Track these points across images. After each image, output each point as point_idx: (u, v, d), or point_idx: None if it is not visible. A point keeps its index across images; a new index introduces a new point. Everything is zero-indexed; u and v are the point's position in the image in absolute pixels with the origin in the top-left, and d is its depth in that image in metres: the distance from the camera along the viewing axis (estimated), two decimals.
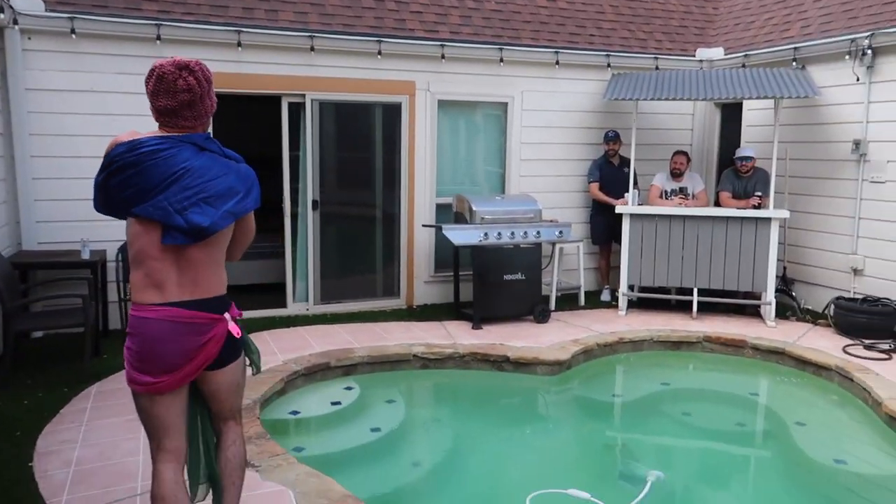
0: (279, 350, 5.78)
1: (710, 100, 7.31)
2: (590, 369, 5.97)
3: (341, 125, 7.02)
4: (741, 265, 6.94)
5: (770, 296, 6.87)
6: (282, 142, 6.78)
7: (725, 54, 8.10)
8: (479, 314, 6.60)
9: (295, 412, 4.88)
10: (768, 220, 6.84)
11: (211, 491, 2.81)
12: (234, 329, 2.56)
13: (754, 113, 7.99)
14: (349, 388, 5.32)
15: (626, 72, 7.79)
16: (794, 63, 7.25)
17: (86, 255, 5.67)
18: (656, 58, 7.98)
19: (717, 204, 7.43)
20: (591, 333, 6.44)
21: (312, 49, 6.57)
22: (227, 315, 2.57)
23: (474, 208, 6.58)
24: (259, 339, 6.10)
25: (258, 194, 2.60)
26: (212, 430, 2.77)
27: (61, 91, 5.99)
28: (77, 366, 5.23)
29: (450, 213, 7.35)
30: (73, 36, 5.91)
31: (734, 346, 6.29)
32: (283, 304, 7.04)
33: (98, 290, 5.82)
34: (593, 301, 7.82)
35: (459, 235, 6.50)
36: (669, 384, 5.87)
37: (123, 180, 2.40)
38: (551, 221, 7.03)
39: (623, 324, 6.83)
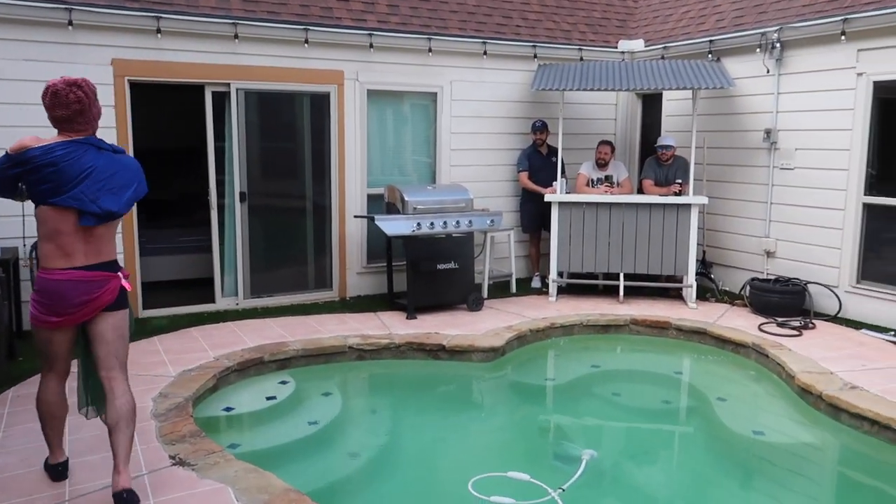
0: (210, 346, 5.63)
1: (632, 90, 7.54)
2: (523, 355, 6.09)
3: (268, 115, 6.88)
4: (664, 250, 7.22)
5: (691, 279, 7.17)
6: (206, 132, 6.58)
7: (646, 46, 8.37)
8: (413, 304, 6.62)
9: (229, 408, 4.77)
10: (689, 206, 7.13)
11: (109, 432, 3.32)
12: (127, 284, 3.34)
13: (673, 103, 8.30)
14: (284, 383, 5.24)
15: (552, 62, 7.93)
16: (709, 55, 7.57)
17: None
18: (580, 49, 8.17)
19: (641, 191, 7.68)
20: (524, 319, 6.56)
21: (236, 37, 6.40)
22: (119, 273, 3.32)
23: (406, 198, 6.58)
24: (187, 337, 5.93)
25: (145, 181, 3.41)
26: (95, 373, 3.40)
27: None
28: None
29: (381, 204, 7.33)
30: None
31: (659, 327, 6.54)
32: (212, 299, 6.86)
33: (10, 289, 5.52)
34: (524, 288, 7.96)
35: (392, 226, 6.49)
36: (599, 366, 6.05)
37: (41, 178, 3.11)
38: (483, 210, 7.10)
39: (554, 309, 6.98)
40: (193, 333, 6.07)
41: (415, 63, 7.37)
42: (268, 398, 4.97)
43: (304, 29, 6.67)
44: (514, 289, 7.81)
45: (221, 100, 6.62)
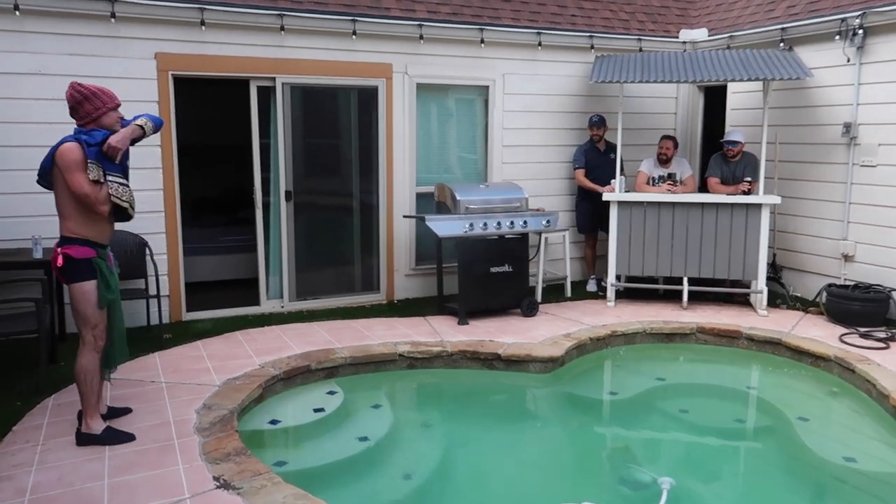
0: (255, 352, 5.39)
1: (699, 82, 7.06)
2: (583, 365, 5.72)
3: (314, 111, 6.61)
4: (732, 253, 6.75)
5: (761, 284, 6.70)
6: (250, 128, 6.34)
7: (709, 35, 7.87)
8: (464, 309, 6.29)
9: (275, 421, 4.51)
10: (759, 206, 6.65)
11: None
12: (58, 260, 3.70)
13: (739, 96, 7.80)
14: (332, 393, 4.97)
15: (610, 54, 7.50)
16: (781, 44, 7.06)
17: (38, 254, 5.20)
18: (640, 39, 7.72)
19: (705, 190, 7.22)
20: (583, 327, 6.18)
21: (282, 29, 6.14)
22: (58, 249, 3.73)
23: (458, 197, 6.25)
24: (231, 341, 5.70)
25: (49, 157, 3.68)
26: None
27: (3, 74, 5.47)
28: (31, 376, 4.78)
29: (431, 203, 7.01)
30: (17, 13, 5.38)
31: (728, 336, 6.10)
32: (256, 302, 6.64)
33: (53, 291, 5.35)
34: (579, 292, 7.57)
35: (443, 226, 6.16)
36: (665, 379, 5.64)
37: None
38: (538, 210, 6.73)
39: (613, 315, 6.59)
40: (238, 338, 5.84)
41: (466, 55, 7.03)
42: (315, 410, 4.70)
43: (352, 20, 6.38)
44: (568, 293, 7.42)
45: (266, 95, 6.37)
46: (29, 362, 5.02)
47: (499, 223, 6.31)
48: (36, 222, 5.46)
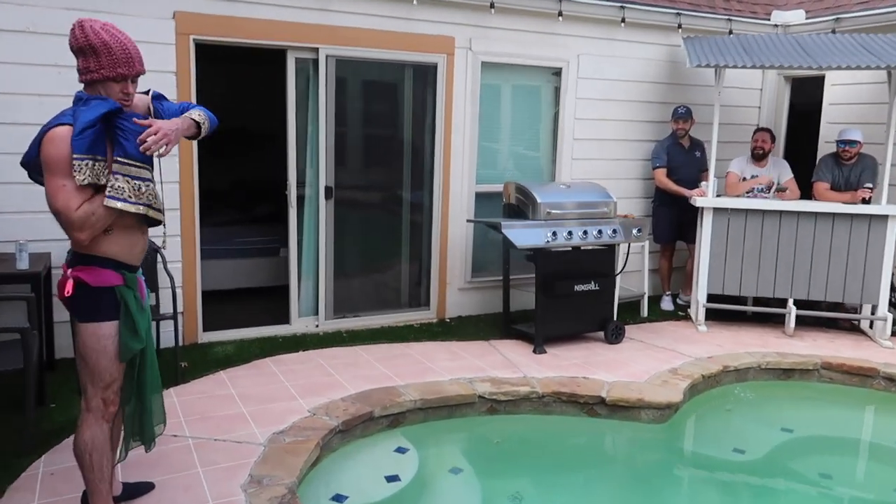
0: (298, 390, 4.28)
1: (823, 69, 5.85)
2: (696, 409, 4.67)
3: (363, 90, 5.49)
4: (848, 272, 5.74)
5: (883, 309, 5.70)
6: (286, 110, 5.19)
7: (807, 18, 6.85)
8: (542, 334, 5.22)
9: (340, 497, 3.40)
10: (884, 217, 5.65)
11: None
12: (67, 287, 2.56)
13: (839, 90, 6.78)
14: (402, 451, 3.87)
15: (696, 35, 6.45)
16: None
17: (22, 264, 4.03)
18: (729, 20, 6.67)
19: (811, 197, 6.19)
20: (685, 359, 5.14)
21: None
22: (68, 270, 2.59)
23: (539, 200, 5.15)
24: (264, 373, 4.58)
25: (35, 142, 2.52)
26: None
27: None
28: (16, 424, 3.62)
29: (491, 205, 5.93)
30: None
31: (860, 375, 5.08)
32: (285, 319, 5.50)
33: (41, 310, 4.19)
34: (654, 310, 6.53)
35: (522, 235, 5.07)
36: (793, 431, 4.60)
37: None
38: (625, 217, 5.66)
39: (710, 343, 5.56)
40: (270, 367, 4.72)
41: (538, 31, 5.93)
42: (388, 479, 3.59)
43: None
44: (645, 311, 6.38)
45: (306, 69, 5.23)
46: (9, 406, 3.87)
47: (585, 232, 5.24)
48: (22, 221, 4.30)
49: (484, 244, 6.11)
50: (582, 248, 5.33)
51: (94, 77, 2.49)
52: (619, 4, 6.07)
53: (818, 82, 7.12)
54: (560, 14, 5.82)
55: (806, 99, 7.31)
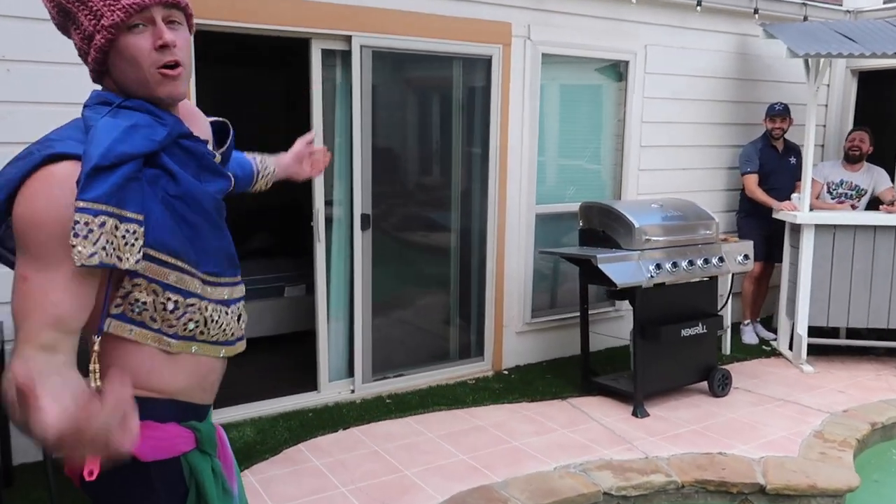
0: (364, 499, 3.10)
1: None
2: (863, 489, 3.68)
3: (405, 91, 4.35)
4: None
5: None
6: (310, 114, 4.01)
7: (885, 2, 6.01)
8: (643, 391, 4.16)
9: None
10: None
11: None
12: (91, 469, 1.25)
13: None
14: None
15: (774, 23, 5.54)
16: None
17: None
18: (804, 4, 5.78)
19: None
20: (816, 414, 4.17)
21: None
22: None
23: (636, 224, 4.09)
24: (304, 469, 3.37)
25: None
26: None
27: None
28: None
29: (551, 229, 4.89)
30: None
31: None
32: (312, 385, 4.30)
33: None
34: (736, 344, 5.54)
35: (620, 270, 4.00)
36: None
37: None
38: (724, 239, 4.65)
39: (830, 389, 4.61)
40: (310, 459, 3.53)
41: (604, 16, 4.90)
42: None
43: None
44: (728, 348, 5.38)
45: (334, 62, 4.06)
46: None
47: (691, 262, 4.20)
48: None
49: (544, 277, 5.04)
50: (689, 282, 4.30)
51: (100, 43, 1.30)
52: None
53: (887, 77, 6.32)
54: None
55: (873, 97, 6.49)
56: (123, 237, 1.24)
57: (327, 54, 3.99)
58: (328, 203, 4.17)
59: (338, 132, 4.13)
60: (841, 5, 6.09)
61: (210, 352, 1.41)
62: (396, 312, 4.51)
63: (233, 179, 1.49)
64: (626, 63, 5.08)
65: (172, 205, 1.32)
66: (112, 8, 1.27)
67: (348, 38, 3.98)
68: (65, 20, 1.34)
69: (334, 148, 4.12)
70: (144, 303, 1.31)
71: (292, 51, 4.35)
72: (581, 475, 3.37)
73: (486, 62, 4.48)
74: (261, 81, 6.16)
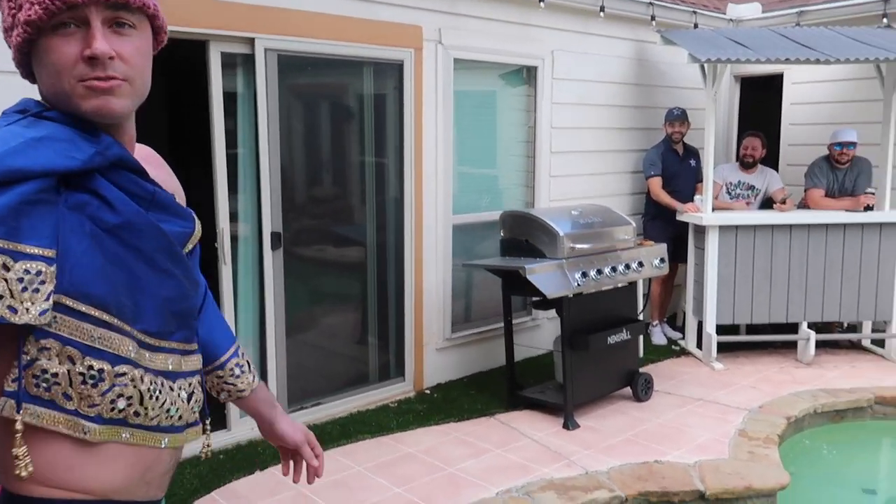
0: None
1: (836, 62, 5.02)
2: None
3: (313, 97, 4.04)
4: (861, 288, 5.20)
5: None
6: (210, 125, 3.62)
7: (763, 12, 6.34)
8: (573, 401, 4.08)
9: None
10: (894, 225, 5.16)
11: None
12: None
13: (801, 88, 6.34)
14: None
15: (670, 29, 5.69)
16: (884, 19, 5.64)
17: None
18: (694, 12, 5.98)
19: (805, 206, 5.62)
20: (737, 412, 4.26)
21: None
22: None
23: (560, 233, 4.00)
24: None
25: None
26: None
27: None
28: None
29: (468, 239, 4.74)
30: None
31: None
32: (222, 423, 3.89)
33: None
34: (645, 345, 5.63)
35: (548, 280, 3.89)
36: (875, 491, 3.89)
37: None
38: (641, 244, 4.68)
39: (743, 385, 4.76)
40: None
41: (514, 21, 4.81)
42: None
43: None
44: (641, 350, 5.45)
45: (235, 67, 3.69)
46: None
47: (614, 268, 4.18)
48: None
49: (462, 290, 4.88)
50: (612, 288, 4.27)
51: (16, 41, 1.01)
52: None
53: (765, 83, 6.69)
54: (541, 0, 4.72)
55: (753, 101, 6.85)
56: (20, 280, 0.92)
57: (228, 58, 3.62)
58: (233, 221, 3.79)
59: (241, 142, 3.76)
60: (725, 14, 6.36)
61: (147, 440, 1.10)
62: (311, 336, 4.19)
63: (198, 226, 1.18)
64: (535, 68, 5.02)
65: (102, 239, 1.01)
66: (16, 23, 0.96)
67: (251, 41, 3.63)
68: None
69: (237, 160, 3.76)
70: (55, 374, 0.99)
71: (180, 53, 3.93)
72: (525, 498, 3.22)
73: (398, 67, 4.26)
74: None
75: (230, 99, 3.66)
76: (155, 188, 1.08)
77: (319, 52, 3.89)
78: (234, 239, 3.78)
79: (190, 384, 1.16)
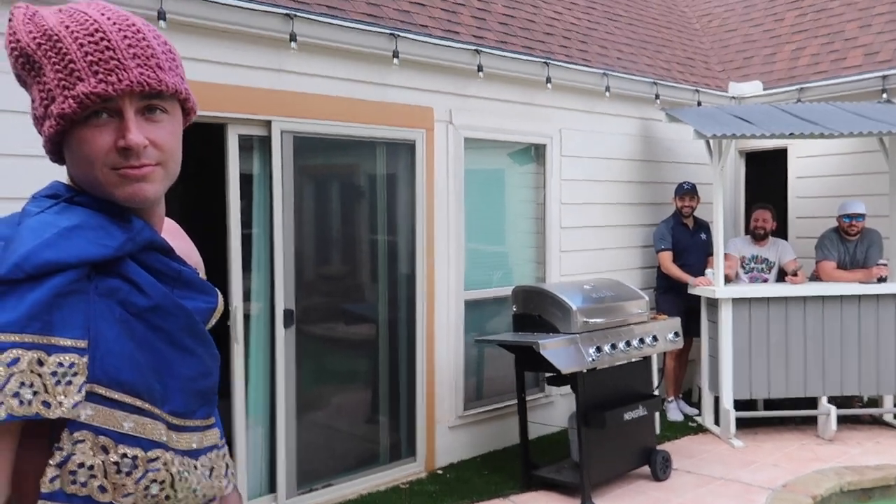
0: None
1: (839, 136, 5.10)
2: None
3: (327, 177, 4.12)
4: (880, 362, 5.12)
5: None
6: (226, 206, 3.68)
7: (765, 89, 6.50)
8: (590, 482, 3.96)
9: None
10: None
11: None
12: None
13: (805, 162, 6.43)
14: None
15: (675, 107, 5.83)
16: (883, 94, 5.77)
17: None
18: (697, 91, 6.14)
19: (817, 278, 5.60)
20: (759, 492, 4.12)
21: (293, 39, 3.65)
22: None
23: (573, 307, 3.99)
24: None
25: None
26: None
27: None
28: None
29: (480, 315, 4.73)
30: None
31: None
32: None
33: None
34: (662, 422, 5.50)
35: (563, 356, 3.86)
36: None
37: None
38: (654, 317, 4.65)
39: (765, 463, 4.62)
40: None
41: (520, 101, 4.95)
42: None
43: (392, 35, 4.05)
44: (658, 427, 5.32)
45: (252, 148, 3.78)
46: None
47: (628, 343, 4.14)
48: None
49: (475, 366, 4.83)
50: (627, 363, 4.23)
51: (48, 133, 1.01)
52: (602, 72, 5.26)
53: (769, 157, 6.79)
54: (549, 80, 4.87)
55: (758, 176, 6.95)
56: (53, 374, 0.91)
57: (245, 140, 3.72)
58: (245, 299, 3.80)
59: (256, 222, 3.81)
60: (727, 91, 6.53)
61: None
62: (322, 415, 4.12)
63: (220, 301, 1.18)
64: (544, 146, 5.13)
65: (131, 323, 1.00)
66: (65, 93, 0.98)
67: (268, 124, 3.74)
68: (21, 72, 1.03)
69: (252, 239, 3.80)
70: (91, 467, 0.96)
71: (196, 133, 4.04)
72: None
73: (410, 147, 4.36)
74: None
75: (246, 179, 3.74)
76: (181, 267, 1.09)
77: (334, 134, 4.00)
78: (245, 317, 3.78)
79: (210, 459, 1.14)
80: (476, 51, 4.45)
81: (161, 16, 3.21)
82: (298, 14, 3.64)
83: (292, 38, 3.62)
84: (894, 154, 5.27)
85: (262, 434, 3.89)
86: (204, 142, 3.79)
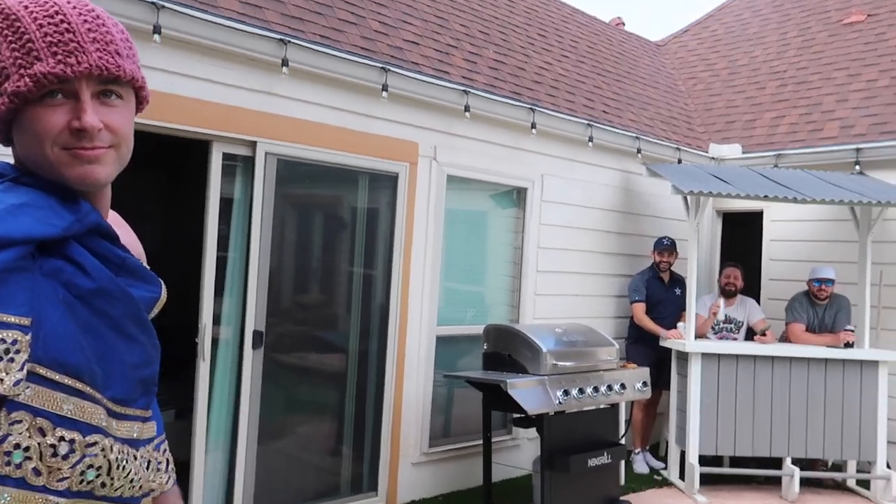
0: None
1: (812, 202, 5.22)
2: None
3: (308, 203, 4.15)
4: (844, 424, 5.15)
5: (882, 465, 5.12)
6: (204, 223, 3.68)
7: (744, 152, 6.68)
8: None
9: None
10: (874, 364, 5.19)
11: None
12: None
13: (780, 225, 6.57)
14: None
15: (656, 163, 5.97)
16: (856, 166, 5.95)
17: None
18: (678, 149, 6.29)
19: (786, 339, 5.67)
20: None
21: (285, 64, 3.72)
22: None
23: (543, 349, 4.00)
24: None
25: None
26: None
27: None
28: None
29: (451, 352, 4.72)
30: None
31: None
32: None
33: None
34: (626, 473, 5.46)
35: (529, 396, 3.85)
36: None
37: None
38: (624, 366, 4.66)
39: None
40: None
41: (506, 144, 5.04)
42: None
43: (382, 68, 4.14)
44: (622, 478, 5.28)
45: (234, 168, 3.81)
46: None
47: (596, 388, 4.14)
48: None
49: (442, 403, 4.80)
50: (594, 408, 4.23)
51: (2, 109, 1.00)
52: (587, 122, 5.39)
53: (745, 218, 6.94)
54: (534, 126, 4.98)
55: (734, 235, 7.09)
56: None
57: (229, 158, 3.75)
58: (216, 320, 3.77)
59: (232, 244, 3.81)
60: (707, 152, 6.70)
61: None
62: (285, 442, 4.06)
63: (163, 291, 1.18)
64: (525, 190, 5.21)
65: (75, 306, 1.00)
66: (21, 71, 0.98)
67: (253, 144, 3.78)
68: None
69: (227, 260, 3.79)
70: (27, 448, 0.94)
71: (179, 150, 4.07)
72: None
73: (393, 179, 4.41)
74: (134, 181, 5.73)
75: (226, 200, 3.75)
76: (125, 254, 1.09)
77: (318, 160, 4.04)
78: (214, 337, 3.75)
79: (148, 452, 1.13)
80: (465, 91, 4.55)
81: (156, 30, 3.26)
82: (292, 41, 3.72)
83: (284, 63, 3.69)
84: (864, 224, 5.41)
85: (221, 458, 3.81)
86: (188, 160, 3.82)
